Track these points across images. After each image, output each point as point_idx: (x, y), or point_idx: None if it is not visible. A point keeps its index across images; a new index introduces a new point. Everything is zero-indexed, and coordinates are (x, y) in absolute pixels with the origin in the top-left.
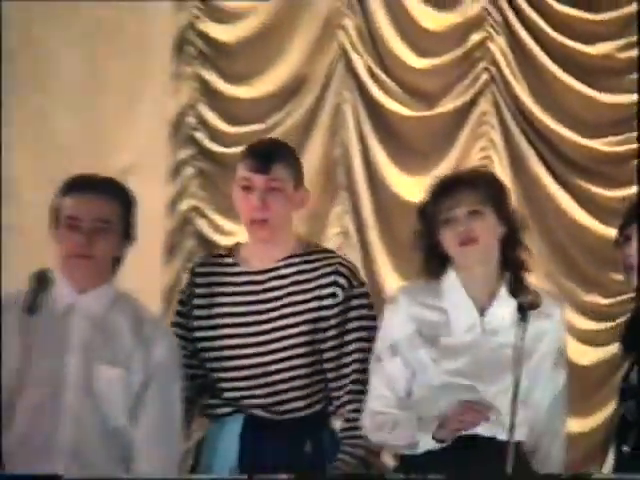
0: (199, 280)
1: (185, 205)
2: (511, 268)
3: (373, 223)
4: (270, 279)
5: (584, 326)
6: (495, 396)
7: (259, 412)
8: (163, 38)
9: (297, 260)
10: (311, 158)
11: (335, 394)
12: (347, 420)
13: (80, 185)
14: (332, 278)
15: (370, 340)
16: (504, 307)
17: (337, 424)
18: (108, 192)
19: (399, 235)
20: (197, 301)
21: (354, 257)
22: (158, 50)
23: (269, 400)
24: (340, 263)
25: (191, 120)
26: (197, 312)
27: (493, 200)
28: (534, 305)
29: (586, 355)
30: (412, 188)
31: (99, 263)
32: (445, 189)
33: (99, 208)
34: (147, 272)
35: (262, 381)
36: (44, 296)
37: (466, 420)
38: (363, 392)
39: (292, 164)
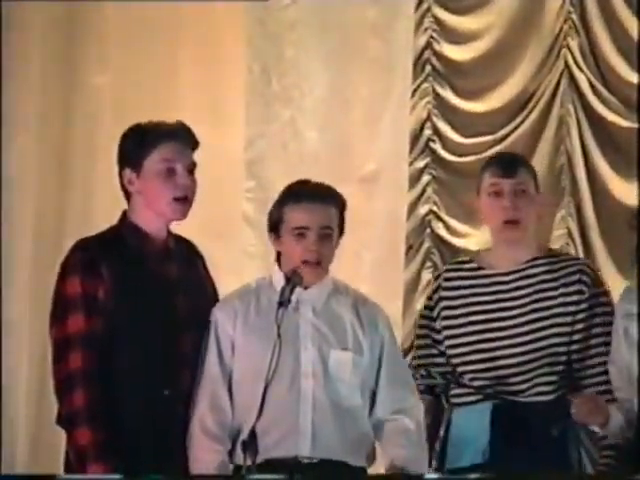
0: (446, 284)
1: (423, 209)
2: None
3: (595, 225)
4: (517, 279)
5: None
6: None
7: (508, 397)
8: (404, 58)
9: (542, 262)
10: (537, 167)
11: (582, 382)
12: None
13: (303, 194)
14: (577, 277)
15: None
16: None
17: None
18: (328, 200)
19: (619, 236)
20: (445, 303)
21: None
22: (399, 69)
23: (522, 387)
24: (584, 264)
25: (428, 132)
26: (445, 313)
27: None
28: None
29: None
30: (631, 193)
31: (327, 266)
32: None
33: (324, 216)
34: (390, 270)
35: (515, 370)
36: (294, 292)
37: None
38: (608, 382)
39: (531, 168)
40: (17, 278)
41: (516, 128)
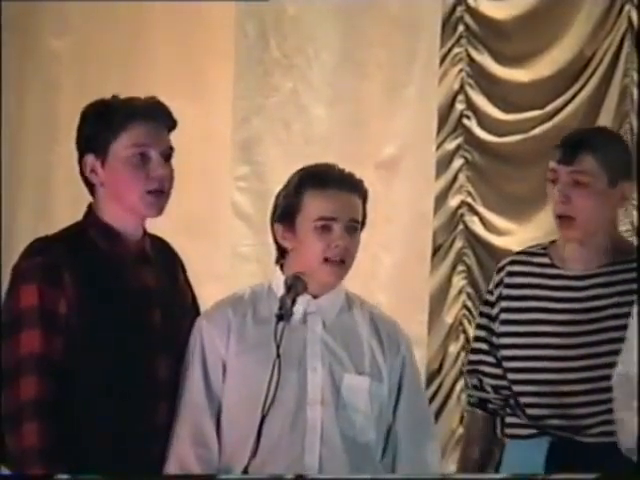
0: (509, 280)
1: (454, 201)
2: None
3: None
4: (593, 286)
5: None
6: None
7: (569, 434)
8: (430, 16)
9: (622, 267)
10: None
11: None
12: None
13: (330, 179)
14: None
15: None
16: None
17: None
18: (355, 188)
19: None
20: (506, 303)
21: None
22: (424, 29)
23: (588, 421)
24: None
25: (460, 106)
26: (505, 316)
27: None
28: None
29: None
30: None
31: (349, 269)
32: None
33: (352, 207)
34: (414, 276)
35: (582, 400)
36: (296, 302)
37: None
38: None
39: (608, 156)
40: None
41: (569, 102)
